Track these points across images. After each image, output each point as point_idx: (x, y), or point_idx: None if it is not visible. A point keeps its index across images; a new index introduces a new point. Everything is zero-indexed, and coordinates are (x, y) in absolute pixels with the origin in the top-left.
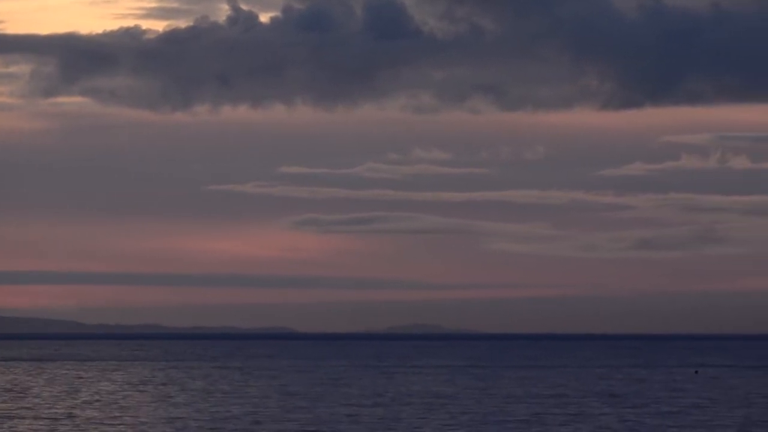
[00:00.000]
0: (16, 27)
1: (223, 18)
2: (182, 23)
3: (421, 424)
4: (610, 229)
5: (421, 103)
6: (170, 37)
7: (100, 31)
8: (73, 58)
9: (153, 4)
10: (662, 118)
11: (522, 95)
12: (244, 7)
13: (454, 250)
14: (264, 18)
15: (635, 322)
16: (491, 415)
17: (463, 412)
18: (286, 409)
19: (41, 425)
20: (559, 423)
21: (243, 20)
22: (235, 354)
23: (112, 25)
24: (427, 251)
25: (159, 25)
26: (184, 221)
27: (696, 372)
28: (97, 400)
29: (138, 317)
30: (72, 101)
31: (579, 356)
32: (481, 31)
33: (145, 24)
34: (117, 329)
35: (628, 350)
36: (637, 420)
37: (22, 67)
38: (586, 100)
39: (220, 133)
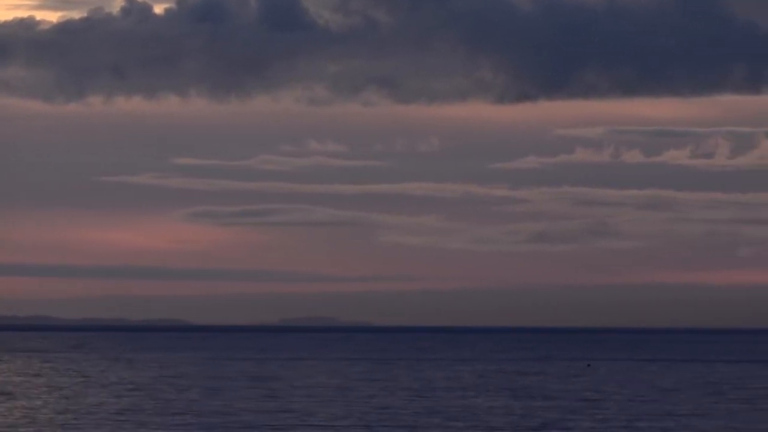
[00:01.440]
0: None
1: (117, 9)
2: (76, 14)
3: (312, 415)
4: (504, 222)
5: (315, 96)
6: (64, 28)
7: None
8: None
9: None
10: (556, 111)
11: (417, 88)
12: None
13: (349, 243)
14: (158, 9)
15: (529, 315)
16: (385, 408)
17: (351, 403)
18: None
19: None
20: (449, 417)
21: (137, 11)
22: (125, 346)
23: (6, 15)
24: (321, 244)
25: (53, 16)
26: (77, 213)
27: (588, 365)
28: None
29: (29, 308)
30: None
31: (473, 349)
32: (376, 24)
33: (39, 15)
34: (6, 321)
35: (521, 343)
36: (528, 413)
37: None
38: (480, 93)
39: (114, 124)
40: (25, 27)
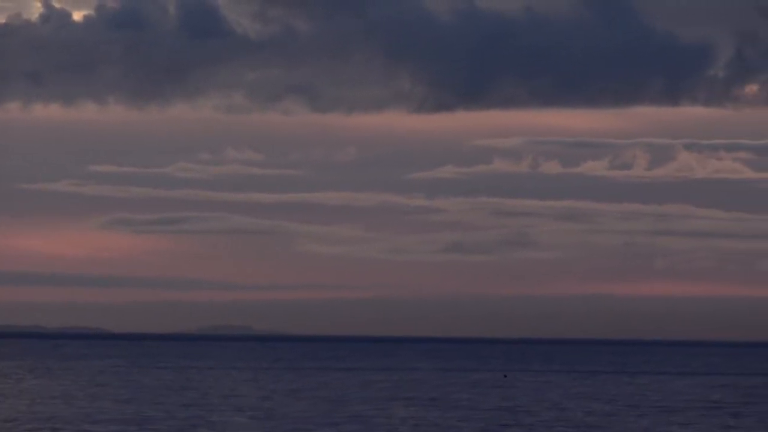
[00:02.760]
0: None
1: (36, 15)
2: None
3: (225, 423)
4: (421, 232)
5: (233, 104)
6: None
7: None
8: None
9: None
10: (474, 121)
11: (335, 97)
12: (56, 5)
13: (266, 252)
14: (77, 16)
15: (446, 325)
16: (305, 419)
17: (265, 411)
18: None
19: None
20: (357, 426)
21: (56, 18)
22: (40, 354)
23: None
24: (238, 252)
25: None
26: None
27: (505, 376)
28: None
29: None
30: None
31: (390, 358)
32: (295, 33)
33: None
34: None
35: (438, 353)
36: (441, 423)
37: None
38: (398, 103)
39: (32, 131)
40: None
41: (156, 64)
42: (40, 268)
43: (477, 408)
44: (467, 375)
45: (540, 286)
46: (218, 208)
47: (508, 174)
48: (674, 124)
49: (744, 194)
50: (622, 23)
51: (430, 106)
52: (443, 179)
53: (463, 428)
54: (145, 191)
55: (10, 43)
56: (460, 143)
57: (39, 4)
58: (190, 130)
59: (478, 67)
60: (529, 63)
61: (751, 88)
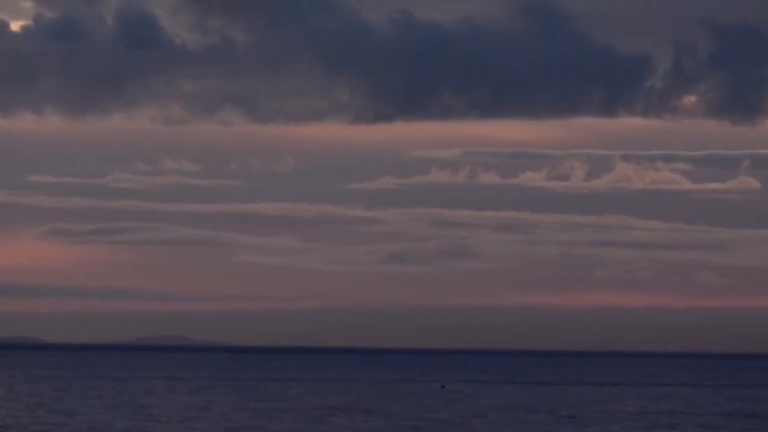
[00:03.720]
0: None
1: None
2: None
3: None
4: (359, 243)
5: (171, 114)
6: None
7: None
8: None
9: None
10: (412, 132)
11: (273, 108)
12: None
13: (204, 262)
14: (15, 26)
15: (385, 336)
16: (235, 429)
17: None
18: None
19: None
20: None
21: None
22: None
23: None
24: (176, 262)
25: None
26: None
27: (443, 387)
28: None
29: None
30: None
31: (329, 369)
32: (233, 43)
33: None
34: None
35: (377, 364)
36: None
37: None
38: (337, 114)
39: None
40: None
41: (94, 74)
42: None
43: (399, 418)
44: (405, 386)
45: (479, 296)
46: (156, 219)
47: (447, 185)
48: (612, 135)
49: (682, 205)
50: (560, 34)
51: (368, 117)
52: (382, 190)
53: None
54: (82, 201)
55: None
56: (399, 154)
57: None
58: (128, 140)
59: (417, 78)
60: (467, 74)
61: (689, 99)
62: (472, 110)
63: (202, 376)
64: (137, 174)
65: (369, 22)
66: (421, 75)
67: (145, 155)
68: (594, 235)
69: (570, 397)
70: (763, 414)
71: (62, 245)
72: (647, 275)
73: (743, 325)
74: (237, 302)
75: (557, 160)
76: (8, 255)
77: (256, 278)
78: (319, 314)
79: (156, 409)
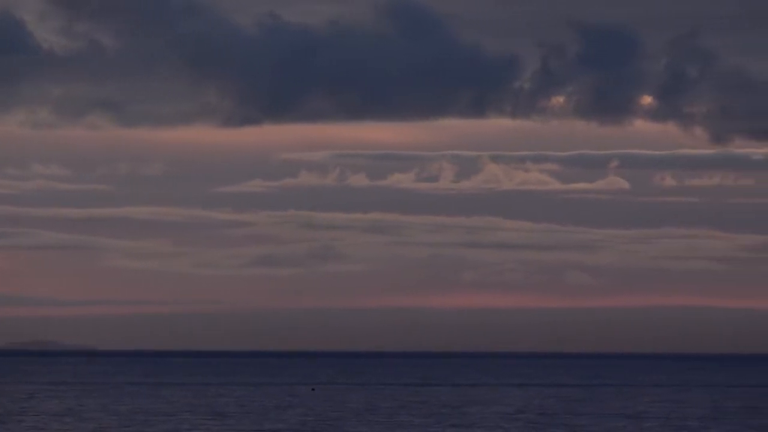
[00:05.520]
0: None
1: None
2: None
3: None
4: (229, 246)
5: (39, 119)
6: None
7: None
8: None
9: None
10: (281, 135)
11: (142, 112)
12: None
13: (73, 267)
14: None
15: (254, 339)
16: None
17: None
18: None
19: None
20: None
21: None
22: None
23: None
24: (45, 267)
25: None
26: None
27: (313, 389)
28: None
29: None
30: None
31: (198, 373)
32: (101, 48)
33: None
34: None
35: (244, 367)
36: None
37: None
38: (205, 117)
39: None
40: None
41: None
42: None
43: (270, 421)
44: (277, 389)
45: (348, 298)
46: (25, 224)
47: (315, 187)
48: (481, 136)
49: (551, 205)
50: (428, 36)
51: (236, 120)
52: (251, 193)
53: None
54: None
55: None
56: (268, 157)
57: None
58: None
59: (285, 81)
60: (335, 76)
61: (558, 100)
62: (341, 112)
63: (66, 381)
64: (6, 179)
65: (236, 26)
66: (289, 78)
67: (14, 160)
68: (463, 236)
69: (439, 398)
70: (644, 413)
71: None
72: (516, 276)
73: (613, 325)
74: (107, 306)
75: (426, 161)
76: None
77: (126, 282)
78: (190, 318)
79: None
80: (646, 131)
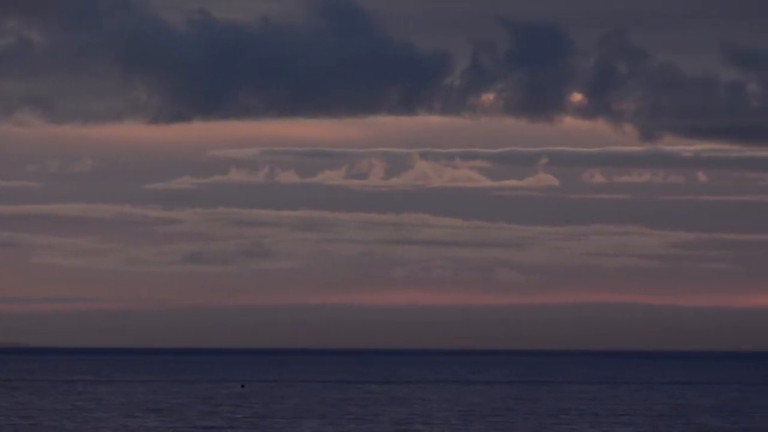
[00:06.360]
0: None
1: None
2: None
3: None
4: (158, 243)
5: None
6: None
7: None
8: None
9: None
10: (211, 132)
11: (71, 109)
12: None
13: (2, 264)
14: None
15: (185, 337)
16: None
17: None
18: None
19: None
20: None
21: None
22: None
23: None
24: None
25: None
26: None
27: (242, 386)
28: None
29: None
30: None
31: (120, 370)
32: (30, 44)
33: None
34: None
35: (173, 365)
36: None
37: None
38: (135, 114)
39: None
40: None
41: None
42: None
43: (196, 418)
44: (207, 386)
45: (278, 296)
46: None
47: (245, 184)
48: (411, 133)
49: (481, 203)
50: (358, 33)
51: (166, 117)
52: (180, 190)
53: None
54: None
55: None
56: (197, 154)
57: None
58: None
59: (215, 78)
60: (265, 73)
61: (488, 97)
62: (271, 109)
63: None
64: None
65: (166, 22)
66: (219, 74)
67: None
68: (393, 233)
69: (364, 396)
70: (573, 408)
71: None
72: (446, 273)
73: (543, 322)
74: (36, 304)
75: (356, 158)
76: None
77: (54, 280)
78: (119, 315)
79: None
80: (576, 128)
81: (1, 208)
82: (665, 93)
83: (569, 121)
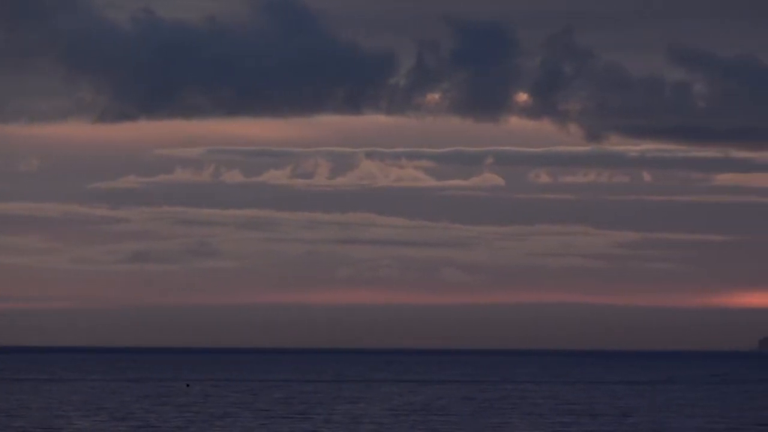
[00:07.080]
0: None
1: None
2: None
3: None
4: (104, 242)
5: None
6: None
7: None
8: None
9: None
10: (156, 131)
11: (17, 108)
12: None
13: None
14: None
15: (130, 335)
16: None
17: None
18: None
19: None
20: None
21: None
22: None
23: None
24: None
25: None
26: None
27: (187, 386)
28: None
29: None
30: None
31: (66, 369)
32: None
33: None
34: None
35: (122, 363)
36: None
37: None
38: (81, 113)
39: None
40: None
41: None
42: None
43: (133, 418)
44: (152, 384)
45: (223, 295)
46: None
47: (191, 183)
48: (356, 132)
49: (426, 202)
50: (304, 33)
51: (112, 116)
52: (126, 189)
53: None
54: None
55: None
56: (143, 153)
57: None
58: None
59: (160, 77)
60: (211, 73)
61: (433, 97)
62: (216, 109)
63: None
64: None
65: (112, 21)
66: (165, 73)
67: None
68: (338, 232)
69: (305, 395)
70: (512, 407)
71: None
72: (390, 272)
73: (488, 321)
74: None
75: (301, 158)
76: None
77: (1, 278)
78: (65, 314)
79: None
80: (521, 128)
81: None
82: (611, 93)
83: (515, 121)
